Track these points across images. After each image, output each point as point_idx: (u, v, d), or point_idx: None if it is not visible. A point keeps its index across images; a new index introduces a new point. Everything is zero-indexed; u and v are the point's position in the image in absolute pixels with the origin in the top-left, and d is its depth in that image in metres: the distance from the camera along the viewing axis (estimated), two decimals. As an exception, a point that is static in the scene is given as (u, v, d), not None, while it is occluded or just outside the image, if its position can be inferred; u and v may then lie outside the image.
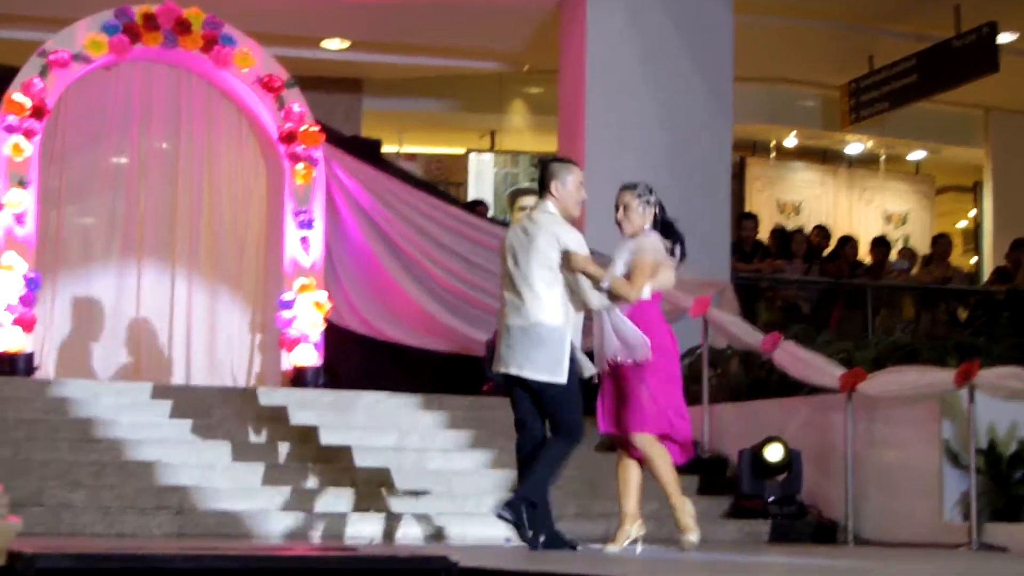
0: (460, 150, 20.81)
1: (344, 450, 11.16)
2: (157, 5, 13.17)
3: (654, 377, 8.68)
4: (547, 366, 8.52)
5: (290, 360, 13.15)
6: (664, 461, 8.78)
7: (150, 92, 13.62)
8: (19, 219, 12.53)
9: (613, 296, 8.57)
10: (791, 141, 21.05)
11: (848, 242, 17.40)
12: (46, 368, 12.84)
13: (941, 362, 11.47)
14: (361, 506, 10.28)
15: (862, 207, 21.50)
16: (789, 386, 12.10)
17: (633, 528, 8.80)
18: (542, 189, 8.82)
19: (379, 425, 11.87)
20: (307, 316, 13.19)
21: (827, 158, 21.72)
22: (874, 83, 18.07)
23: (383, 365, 13.58)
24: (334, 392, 12.48)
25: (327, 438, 11.34)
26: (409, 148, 20.64)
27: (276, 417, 11.68)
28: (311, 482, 10.59)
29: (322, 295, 13.27)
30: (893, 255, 18.05)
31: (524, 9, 16.39)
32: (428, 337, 13.90)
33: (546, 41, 16.28)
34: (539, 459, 8.60)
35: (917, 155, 21.94)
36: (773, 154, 21.30)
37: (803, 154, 21.51)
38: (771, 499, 11.28)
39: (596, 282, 8.50)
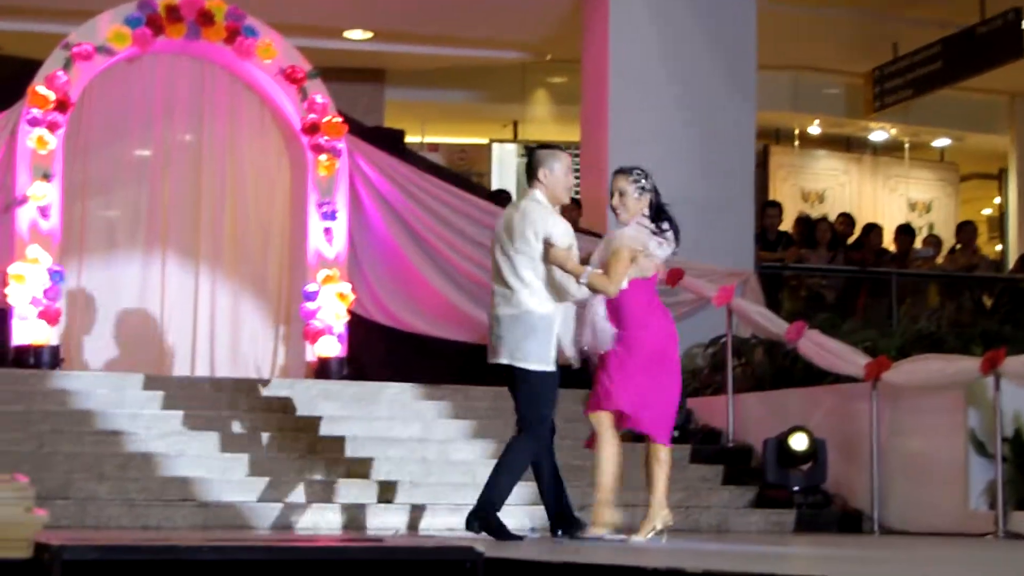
0: (483, 140, 20.79)
1: (368, 441, 11.17)
2: (179, -3, 13.19)
3: (616, 362, 8.60)
4: (537, 354, 8.47)
5: (314, 351, 13.16)
6: (609, 452, 8.66)
7: (173, 84, 13.63)
8: (44, 212, 12.56)
9: (593, 290, 8.53)
10: (815, 129, 20.98)
11: (873, 230, 17.34)
12: (71, 361, 12.86)
13: (966, 350, 11.44)
14: (385, 497, 10.29)
15: (886, 195, 21.42)
16: (814, 375, 12.08)
17: (659, 519, 8.76)
18: (530, 178, 8.74)
19: (403, 416, 11.88)
20: (331, 307, 13.19)
21: (851, 146, 21.65)
22: (898, 70, 18.00)
23: (407, 356, 13.58)
24: (358, 383, 12.48)
25: (351, 429, 11.35)
26: (432, 138, 20.63)
27: (300, 409, 11.69)
28: (335, 473, 10.60)
29: (346, 286, 13.27)
30: (918, 243, 17.98)
31: (547, -1, 16.41)
32: (452, 327, 13.89)
33: (569, 30, 16.25)
34: (503, 465, 8.58)
35: (941, 142, 21.86)
36: (797, 142, 21.24)
37: (827, 142, 21.44)
38: (796, 489, 11.27)
39: (575, 277, 8.47)
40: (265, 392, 12.00)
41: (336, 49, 17.42)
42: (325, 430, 11.32)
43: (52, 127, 12.65)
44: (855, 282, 16.41)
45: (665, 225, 8.73)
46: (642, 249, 8.61)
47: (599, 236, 13.89)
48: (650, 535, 8.69)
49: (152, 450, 10.56)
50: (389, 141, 14.25)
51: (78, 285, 13.13)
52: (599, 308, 8.60)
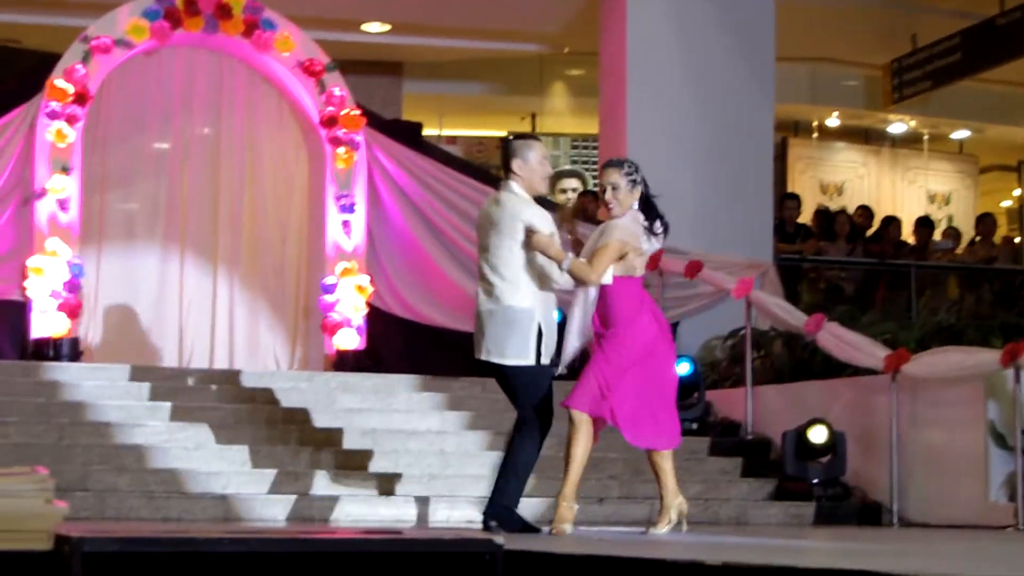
0: (501, 133, 20.77)
1: (387, 433, 11.17)
2: (198, -10, 13.21)
3: (608, 366, 8.48)
4: (515, 350, 8.38)
5: (333, 344, 13.17)
6: (586, 448, 8.47)
7: (191, 77, 13.65)
8: (63, 205, 12.59)
9: (574, 278, 8.44)
10: (833, 121, 20.94)
11: (892, 222, 17.31)
12: (90, 353, 12.89)
13: (986, 343, 11.42)
14: (404, 489, 10.29)
15: (905, 187, 21.38)
16: (833, 368, 12.06)
17: (674, 509, 8.69)
18: (506, 170, 8.60)
19: (421, 408, 11.89)
20: (349, 300, 13.21)
21: (870, 138, 21.60)
22: (917, 62, 17.96)
23: (425, 348, 13.58)
24: (377, 376, 12.48)
25: (370, 422, 11.36)
26: (450, 131, 20.62)
27: (319, 401, 11.70)
28: (354, 465, 10.61)
29: (364, 279, 13.29)
30: (937, 235, 17.95)
31: (564, -10, 16.40)
32: (470, 320, 13.86)
33: (587, 23, 16.23)
34: (507, 468, 8.51)
35: (961, 134, 21.81)
36: (815, 134, 21.20)
37: (845, 134, 21.40)
38: (815, 481, 11.24)
39: (557, 263, 8.38)
40: (283, 384, 12.00)
41: (354, 42, 17.41)
42: (343, 422, 11.32)
43: (71, 120, 12.68)
44: (874, 274, 16.38)
45: (657, 224, 8.64)
46: (634, 244, 8.51)
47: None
48: (668, 527, 8.65)
49: (171, 442, 10.57)
50: (407, 134, 14.26)
51: (97, 278, 13.16)
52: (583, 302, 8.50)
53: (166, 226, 13.48)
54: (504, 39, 18.02)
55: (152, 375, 11.88)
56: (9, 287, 12.62)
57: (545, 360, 8.48)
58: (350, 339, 13.17)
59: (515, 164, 8.54)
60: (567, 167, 19.93)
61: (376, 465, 10.60)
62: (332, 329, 13.18)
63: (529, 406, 8.47)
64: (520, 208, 8.45)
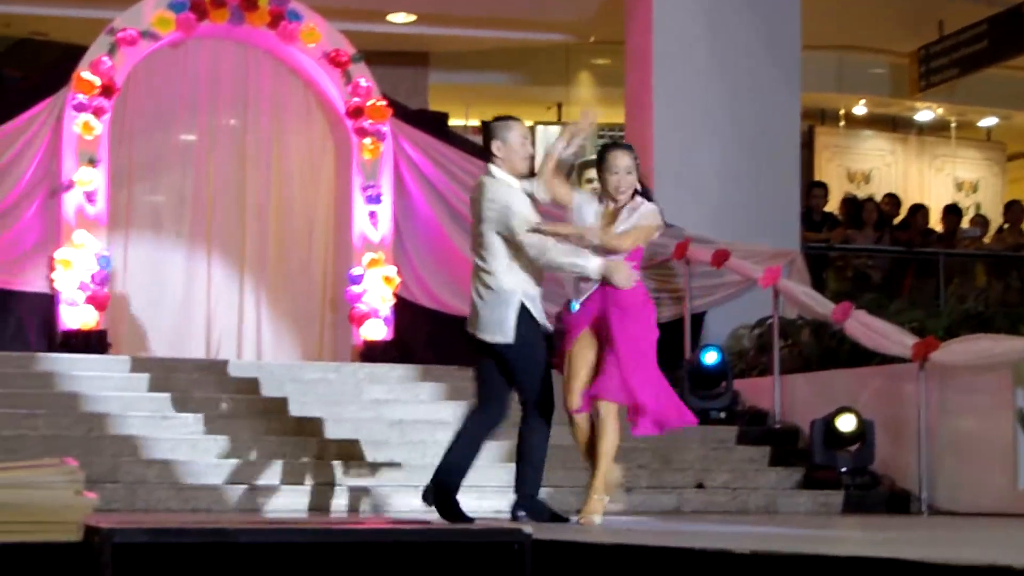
0: (527, 123, 20.74)
1: (414, 424, 11.18)
2: (223, -18, 13.23)
3: (625, 344, 8.48)
4: (498, 327, 8.34)
5: (360, 335, 13.19)
6: (611, 441, 8.41)
7: (217, 69, 13.67)
8: (90, 198, 12.63)
9: (605, 248, 8.37)
10: (860, 109, 20.88)
11: (919, 210, 17.27)
12: (118, 345, 12.93)
13: (1014, 330, 11.38)
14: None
15: (932, 175, 21.32)
16: (861, 356, 12.03)
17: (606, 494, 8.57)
18: (487, 153, 8.54)
19: (449, 398, 11.89)
20: (376, 291, 13.23)
21: (897, 126, 21.54)
22: (944, 49, 17.89)
23: (453, 338, 13.51)
24: (404, 366, 12.50)
25: (397, 412, 11.37)
26: (476, 121, 20.59)
27: (347, 392, 11.72)
28: (383, 456, 10.62)
29: (391, 269, 13.30)
30: (965, 223, 17.89)
31: (590, -21, 16.38)
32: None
33: (613, 12, 16.20)
34: (521, 457, 8.55)
35: (988, 122, 21.73)
36: (842, 122, 21.14)
37: (872, 122, 21.33)
38: (844, 470, 11.22)
39: (583, 236, 8.36)
40: (311, 375, 12.03)
41: (380, 32, 17.40)
42: (371, 413, 11.34)
43: (98, 112, 12.72)
44: (902, 262, 16.34)
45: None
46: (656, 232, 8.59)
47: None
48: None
49: (199, 433, 10.61)
50: (433, 124, 14.26)
51: (124, 270, 13.19)
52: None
53: (193, 218, 13.51)
54: (530, 29, 17.99)
55: (180, 367, 11.92)
56: (37, 279, 12.67)
57: (533, 337, 8.42)
58: (377, 330, 13.19)
59: (495, 146, 8.49)
60: (592, 157, 19.90)
61: (404, 455, 10.61)
62: (359, 320, 13.19)
63: (528, 387, 8.46)
64: (499, 194, 8.38)
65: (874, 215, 16.71)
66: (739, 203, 14.57)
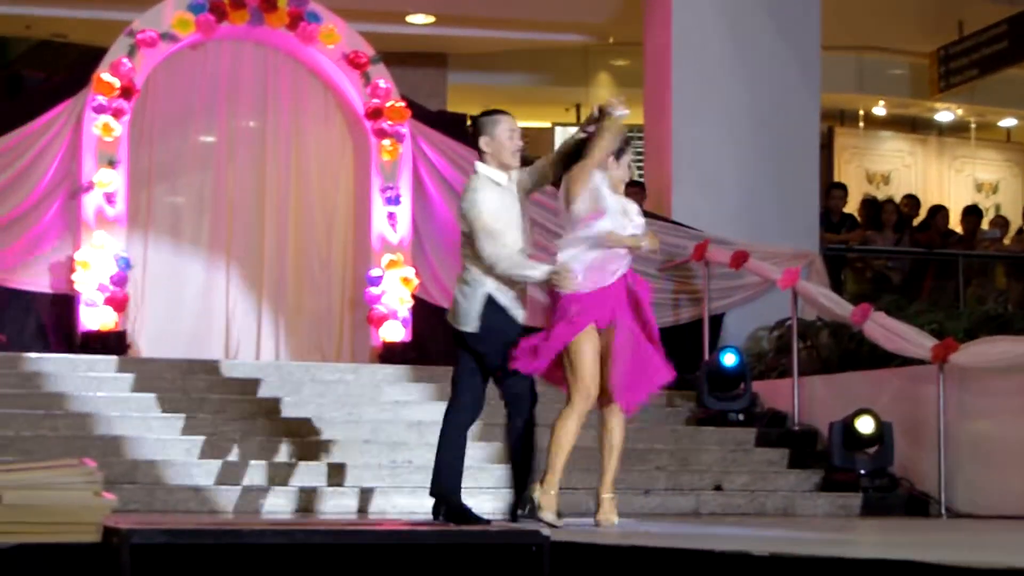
0: (546, 124, 20.75)
1: (433, 425, 11.13)
2: (242, -17, 13.24)
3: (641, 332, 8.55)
4: (463, 316, 8.39)
5: (379, 336, 13.20)
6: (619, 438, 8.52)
7: (237, 71, 13.68)
8: (110, 199, 12.65)
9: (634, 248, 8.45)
10: (880, 110, 20.84)
11: (939, 211, 17.22)
12: (137, 347, 12.95)
13: (1034, 332, 11.36)
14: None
15: (952, 176, 21.27)
16: (880, 358, 12.01)
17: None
18: (477, 149, 8.59)
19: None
20: (395, 292, 13.23)
21: (916, 127, 21.50)
22: (963, 50, 17.85)
23: (471, 340, 13.56)
24: (423, 368, 12.50)
25: (416, 414, 11.37)
26: (494, 123, 20.59)
27: (364, 393, 11.73)
28: (401, 457, 10.62)
29: (410, 271, 13.31)
30: (985, 224, 17.84)
31: (608, -20, 16.37)
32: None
33: (631, 12, 16.19)
34: (525, 452, 8.58)
35: (1008, 122, 21.68)
36: (862, 123, 21.11)
37: (892, 123, 21.30)
38: (863, 472, 11.21)
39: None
40: (330, 376, 12.04)
41: (399, 34, 17.42)
42: (390, 414, 11.34)
43: (117, 114, 12.74)
44: (921, 264, 16.31)
45: None
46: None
47: (665, 220, 13.90)
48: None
49: (218, 435, 10.62)
50: (452, 125, 14.25)
51: (144, 271, 13.20)
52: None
53: (212, 219, 13.52)
54: (549, 30, 17.99)
55: (199, 368, 11.93)
56: (57, 280, 12.70)
57: (502, 325, 8.41)
58: (396, 331, 13.19)
59: (483, 142, 8.58)
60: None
61: (423, 457, 10.58)
62: (378, 321, 13.20)
63: (499, 377, 8.45)
64: (472, 197, 8.40)
65: (893, 216, 16.67)
66: (758, 204, 14.55)
